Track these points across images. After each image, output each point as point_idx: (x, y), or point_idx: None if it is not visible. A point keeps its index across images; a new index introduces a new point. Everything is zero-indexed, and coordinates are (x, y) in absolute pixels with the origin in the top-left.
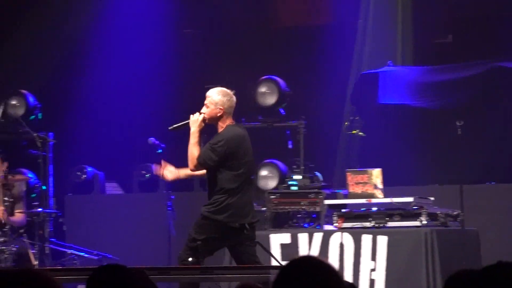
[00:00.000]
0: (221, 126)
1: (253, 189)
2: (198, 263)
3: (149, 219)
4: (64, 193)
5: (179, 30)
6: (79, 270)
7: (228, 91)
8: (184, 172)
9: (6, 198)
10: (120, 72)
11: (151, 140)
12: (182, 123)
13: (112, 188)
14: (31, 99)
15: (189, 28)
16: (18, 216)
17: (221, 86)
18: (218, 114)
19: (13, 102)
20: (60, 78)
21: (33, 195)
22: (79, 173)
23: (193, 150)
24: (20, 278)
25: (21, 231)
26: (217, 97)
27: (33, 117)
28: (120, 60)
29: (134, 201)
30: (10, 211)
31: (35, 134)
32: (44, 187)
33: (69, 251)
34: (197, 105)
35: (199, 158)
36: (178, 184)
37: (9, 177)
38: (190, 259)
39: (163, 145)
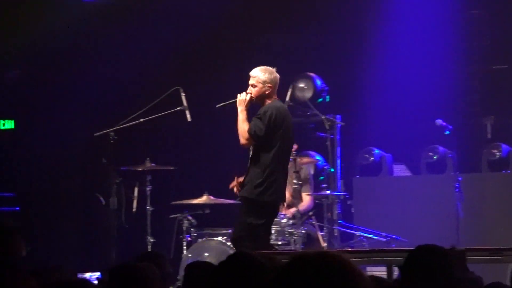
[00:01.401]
0: (268, 103)
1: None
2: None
3: (437, 200)
4: (352, 175)
5: (465, 11)
6: (368, 252)
7: (271, 68)
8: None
9: (294, 181)
10: (406, 54)
11: (439, 121)
12: (229, 102)
13: (400, 170)
14: (318, 82)
15: (475, 9)
16: (306, 199)
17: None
18: (267, 92)
19: (301, 85)
20: (346, 61)
21: (321, 177)
22: (366, 155)
23: (244, 125)
24: (317, 260)
25: (310, 213)
26: (264, 75)
27: (320, 99)
28: (405, 42)
29: (421, 182)
30: (297, 194)
31: (323, 117)
32: (332, 170)
33: (358, 233)
34: (481, 86)
35: (249, 130)
36: (466, 165)
37: (298, 159)
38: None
39: (450, 127)
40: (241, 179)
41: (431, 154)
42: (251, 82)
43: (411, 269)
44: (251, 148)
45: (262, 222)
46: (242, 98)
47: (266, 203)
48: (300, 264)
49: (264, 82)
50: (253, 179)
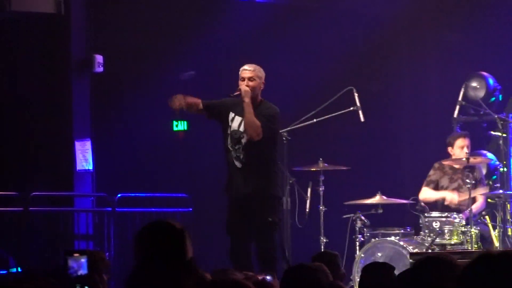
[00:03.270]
0: (262, 100)
1: None
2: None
3: None
4: None
5: None
6: None
7: None
8: (192, 101)
9: (467, 181)
10: None
11: None
12: (238, 93)
13: None
14: (491, 81)
15: None
16: (480, 199)
17: None
18: (261, 88)
19: (474, 84)
20: None
21: (494, 177)
22: None
23: (255, 119)
24: (503, 259)
25: (483, 213)
26: (261, 71)
27: (493, 99)
28: None
29: None
30: (469, 194)
31: (495, 116)
32: (505, 169)
33: None
34: None
35: (263, 127)
36: None
37: (471, 159)
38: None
39: None
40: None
41: None
42: (248, 75)
43: None
44: (240, 149)
45: (279, 218)
46: (247, 90)
47: (281, 199)
48: (485, 262)
49: (261, 78)
50: (269, 177)
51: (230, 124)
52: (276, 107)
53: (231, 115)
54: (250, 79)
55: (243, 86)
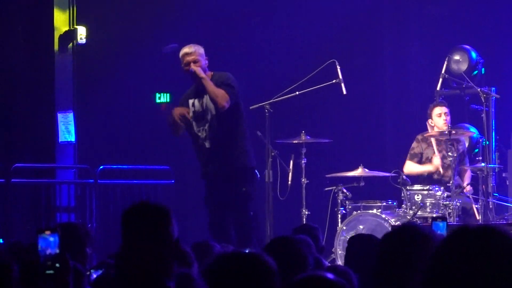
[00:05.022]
0: (209, 75)
1: None
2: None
3: None
4: (507, 148)
5: None
6: None
7: None
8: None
9: (449, 154)
10: None
11: None
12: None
13: None
14: (473, 54)
15: None
16: (467, 173)
17: None
18: (207, 64)
19: (456, 57)
20: (502, 33)
21: (476, 150)
22: None
23: (217, 89)
24: (479, 234)
25: (465, 185)
26: (200, 49)
27: (476, 72)
28: None
29: None
30: (451, 167)
31: (478, 89)
32: (487, 142)
33: None
34: None
35: (228, 93)
36: None
37: (453, 132)
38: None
39: None
40: (180, 110)
41: None
42: (192, 58)
43: None
44: (207, 128)
45: (254, 188)
46: (197, 68)
47: (254, 169)
48: (461, 237)
49: (203, 56)
50: (240, 147)
51: (192, 109)
52: (226, 72)
53: (191, 102)
54: (194, 61)
55: (192, 66)
